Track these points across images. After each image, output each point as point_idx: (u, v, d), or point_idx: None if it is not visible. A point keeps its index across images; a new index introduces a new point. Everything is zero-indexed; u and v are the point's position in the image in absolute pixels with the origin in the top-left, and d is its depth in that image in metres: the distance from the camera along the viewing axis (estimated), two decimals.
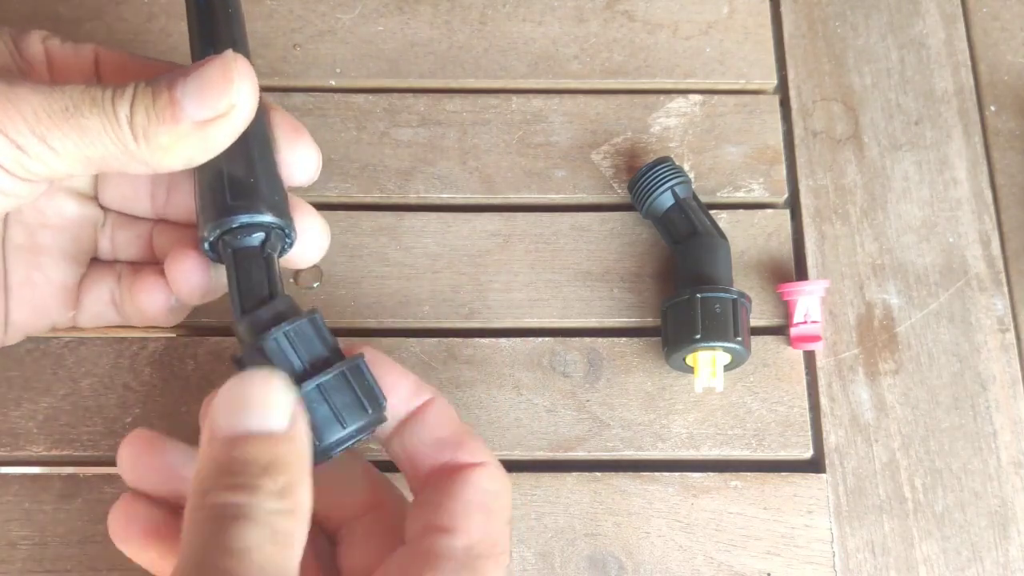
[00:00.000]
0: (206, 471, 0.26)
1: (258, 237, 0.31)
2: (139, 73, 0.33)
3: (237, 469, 0.25)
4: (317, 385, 0.28)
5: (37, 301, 0.35)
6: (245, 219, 0.31)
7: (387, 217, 0.41)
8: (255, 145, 0.32)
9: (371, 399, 0.29)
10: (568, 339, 0.40)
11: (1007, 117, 0.44)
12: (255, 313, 0.30)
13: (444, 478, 0.29)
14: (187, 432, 0.37)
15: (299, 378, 0.28)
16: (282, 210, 0.32)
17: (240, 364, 0.30)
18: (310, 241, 0.34)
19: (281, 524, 0.25)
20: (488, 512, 0.29)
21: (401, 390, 0.31)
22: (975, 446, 0.38)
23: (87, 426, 0.38)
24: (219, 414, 0.26)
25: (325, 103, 0.43)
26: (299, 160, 0.34)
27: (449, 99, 0.44)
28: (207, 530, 0.24)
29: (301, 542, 0.26)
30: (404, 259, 0.41)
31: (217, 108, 0.29)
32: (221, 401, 0.27)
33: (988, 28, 0.45)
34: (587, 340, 0.40)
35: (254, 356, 0.29)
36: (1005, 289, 0.41)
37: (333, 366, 0.29)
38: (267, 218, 0.31)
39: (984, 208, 0.42)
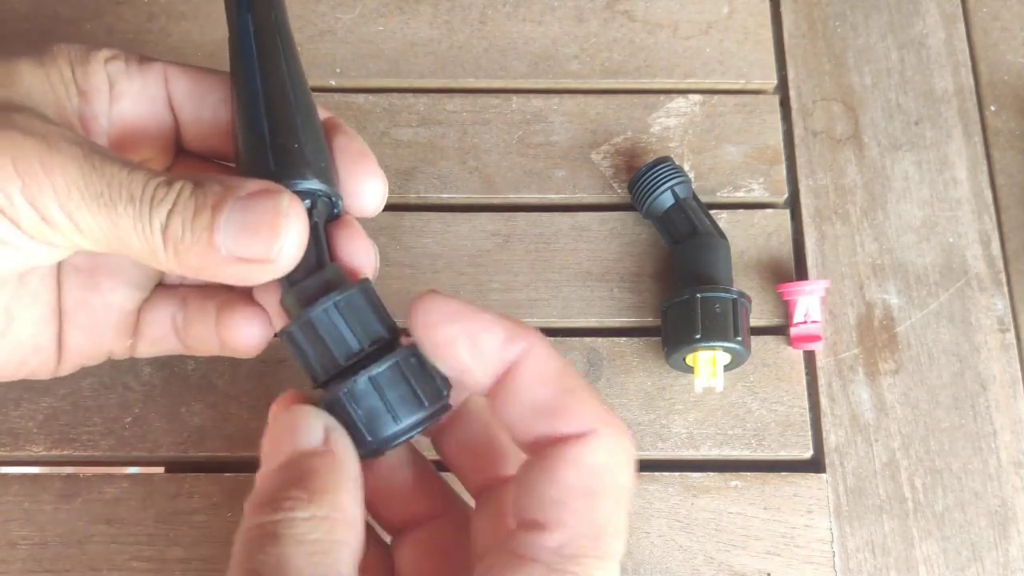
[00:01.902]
0: (246, 506, 0.25)
1: (304, 204, 0.29)
2: (212, 101, 0.32)
3: (271, 494, 0.25)
4: (369, 377, 0.27)
5: (94, 326, 0.33)
6: (291, 186, 0.29)
7: (387, 217, 0.41)
8: (299, 106, 0.30)
9: (432, 390, 0.28)
10: (568, 339, 0.40)
11: (1007, 117, 0.44)
12: (302, 283, 0.28)
13: (540, 455, 0.25)
14: (186, 432, 0.37)
15: (354, 355, 0.27)
16: (328, 176, 0.30)
17: (289, 337, 0.28)
18: (368, 192, 0.31)
19: (314, 532, 0.24)
20: (592, 495, 0.24)
21: (488, 343, 0.25)
22: (975, 446, 0.38)
23: (87, 426, 0.38)
24: (262, 456, 0.26)
25: (325, 103, 0.43)
26: (362, 191, 0.31)
27: (449, 99, 0.44)
28: (240, 554, 0.24)
29: (347, 546, 0.25)
30: (404, 259, 0.41)
31: (255, 254, 0.27)
32: (263, 445, 0.26)
33: (988, 28, 0.45)
34: (587, 340, 0.40)
35: (303, 329, 0.28)
36: (1005, 289, 0.41)
37: (395, 351, 0.27)
38: (313, 185, 0.29)
39: (984, 208, 0.42)
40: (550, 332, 0.40)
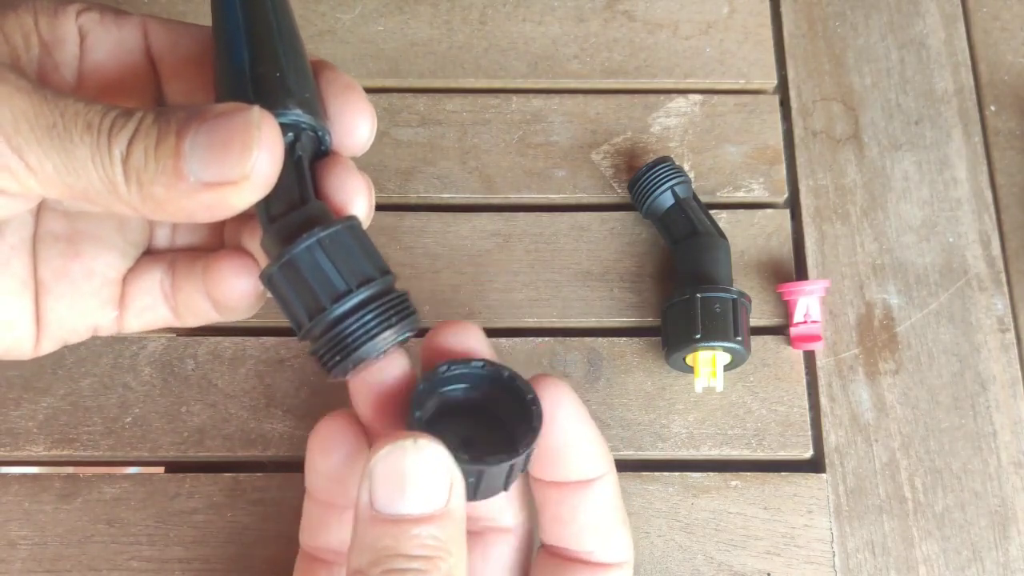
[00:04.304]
0: (369, 557, 0.25)
1: (287, 138, 0.27)
2: (195, 52, 0.30)
3: (402, 564, 0.25)
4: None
5: (76, 297, 0.30)
6: None
7: (387, 217, 0.41)
8: (281, 34, 0.28)
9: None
10: (568, 339, 0.40)
11: (1007, 117, 0.44)
12: (283, 220, 0.26)
13: (574, 569, 0.30)
14: (186, 432, 0.37)
15: (341, 296, 0.26)
16: (313, 107, 0.28)
17: (269, 280, 0.27)
18: (358, 127, 0.29)
19: None
20: None
21: (586, 457, 0.29)
22: (975, 446, 0.38)
23: (87, 426, 0.38)
24: (378, 491, 0.25)
25: None
26: (351, 125, 0.29)
27: (449, 99, 0.44)
28: None
29: None
30: (404, 259, 0.41)
31: (226, 175, 0.25)
32: (380, 477, 0.25)
33: (988, 28, 0.45)
34: (587, 340, 0.40)
35: (284, 269, 0.26)
36: (1005, 289, 0.41)
37: (374, 281, 0.26)
38: (297, 116, 0.27)
39: (984, 208, 0.42)
40: (550, 332, 0.40)
